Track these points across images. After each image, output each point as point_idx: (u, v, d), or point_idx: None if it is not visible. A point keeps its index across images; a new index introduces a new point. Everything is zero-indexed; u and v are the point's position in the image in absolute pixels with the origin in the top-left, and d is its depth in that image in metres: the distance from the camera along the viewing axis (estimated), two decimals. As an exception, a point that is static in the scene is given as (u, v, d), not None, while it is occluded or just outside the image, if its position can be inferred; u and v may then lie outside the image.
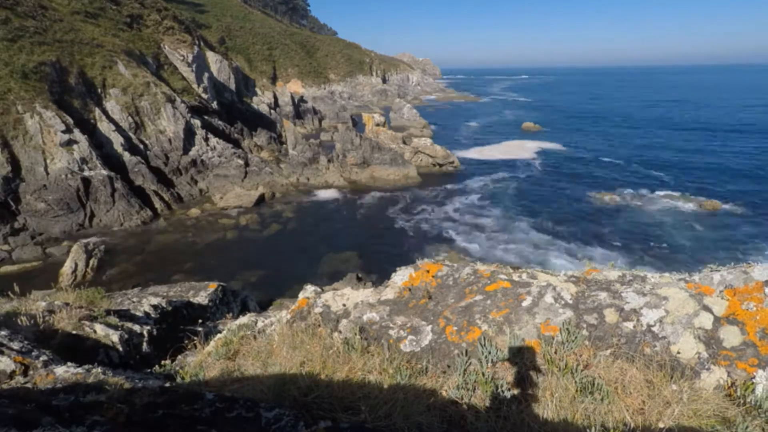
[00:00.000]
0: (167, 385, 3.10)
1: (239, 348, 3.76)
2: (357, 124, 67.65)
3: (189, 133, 41.58)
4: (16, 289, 5.40)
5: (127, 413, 2.08)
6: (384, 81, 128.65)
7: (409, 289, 3.74)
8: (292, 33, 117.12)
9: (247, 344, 3.75)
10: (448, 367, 2.87)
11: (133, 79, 40.61)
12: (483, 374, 2.60)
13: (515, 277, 3.51)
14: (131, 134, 38.03)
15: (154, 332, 5.14)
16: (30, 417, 1.92)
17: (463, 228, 32.58)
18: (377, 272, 24.79)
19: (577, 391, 2.39)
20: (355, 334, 3.19)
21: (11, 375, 3.02)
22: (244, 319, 4.66)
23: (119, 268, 26.06)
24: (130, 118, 38.38)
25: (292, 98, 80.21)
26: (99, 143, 34.71)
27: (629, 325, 2.77)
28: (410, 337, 3.21)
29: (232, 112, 57.90)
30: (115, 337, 4.52)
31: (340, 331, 3.37)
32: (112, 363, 4.23)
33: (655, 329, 2.69)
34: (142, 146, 38.15)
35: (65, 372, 2.98)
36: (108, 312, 5.30)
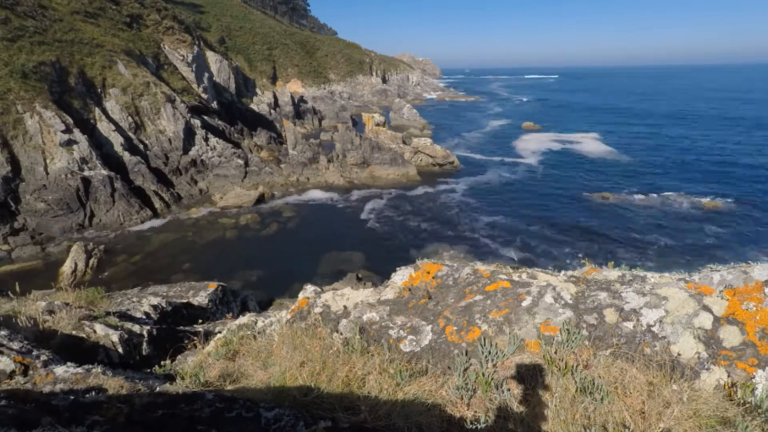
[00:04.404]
0: (167, 385, 3.10)
1: (239, 348, 3.76)
2: (357, 124, 67.65)
3: (189, 133, 41.58)
4: (16, 288, 5.39)
5: (126, 413, 2.08)
6: (384, 81, 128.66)
7: (409, 289, 3.74)
8: (292, 33, 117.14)
9: (247, 344, 3.75)
10: (448, 367, 2.87)
11: (133, 79, 40.62)
12: (483, 374, 2.60)
13: (515, 277, 3.51)
14: (131, 134, 38.03)
15: (154, 332, 5.14)
16: (30, 417, 1.92)
17: (463, 227, 32.57)
18: (377, 272, 24.79)
19: (577, 391, 2.39)
20: (355, 334, 3.19)
21: (11, 375, 3.02)
22: (244, 319, 4.66)
23: (119, 268, 26.06)
24: (130, 118, 38.38)
25: (292, 98, 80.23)
26: (99, 143, 34.72)
27: (629, 325, 2.76)
28: (410, 337, 3.21)
29: (231, 112, 57.91)
30: (114, 337, 4.52)
31: (339, 332, 3.37)
32: (112, 363, 4.22)
33: (655, 329, 2.69)
34: (142, 146, 38.15)
35: (65, 372, 2.98)
36: (108, 312, 5.30)
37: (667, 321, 2.70)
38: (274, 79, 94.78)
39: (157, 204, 34.43)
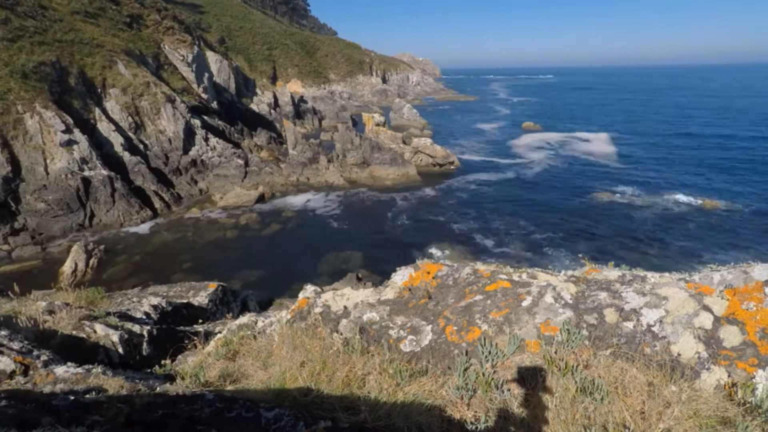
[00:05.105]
0: (167, 385, 3.10)
1: (239, 348, 3.76)
2: (357, 124, 67.63)
3: (189, 133, 41.59)
4: (16, 288, 5.39)
5: (127, 413, 2.08)
6: (384, 81, 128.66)
7: (409, 289, 3.74)
8: (292, 33, 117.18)
9: (247, 344, 3.75)
10: (448, 367, 2.87)
11: (133, 79, 40.62)
12: (483, 374, 2.60)
13: (515, 277, 3.51)
14: (131, 134, 38.04)
15: (154, 332, 5.14)
16: (30, 417, 1.92)
17: (463, 227, 32.57)
18: (377, 272, 24.80)
19: (577, 391, 2.39)
20: (355, 334, 3.19)
21: (11, 375, 3.02)
22: (244, 319, 4.66)
23: (119, 268, 26.05)
24: (130, 118, 38.39)
25: (292, 98, 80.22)
26: (99, 143, 34.72)
27: (629, 325, 2.76)
28: (410, 337, 3.21)
29: (231, 112, 57.92)
30: (115, 337, 4.52)
31: (340, 332, 3.37)
32: (112, 363, 4.22)
33: (655, 329, 2.69)
34: (142, 146, 38.15)
35: (65, 372, 2.98)
36: (108, 312, 5.30)
37: (667, 321, 2.70)
38: (274, 79, 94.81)
39: (157, 204, 34.44)
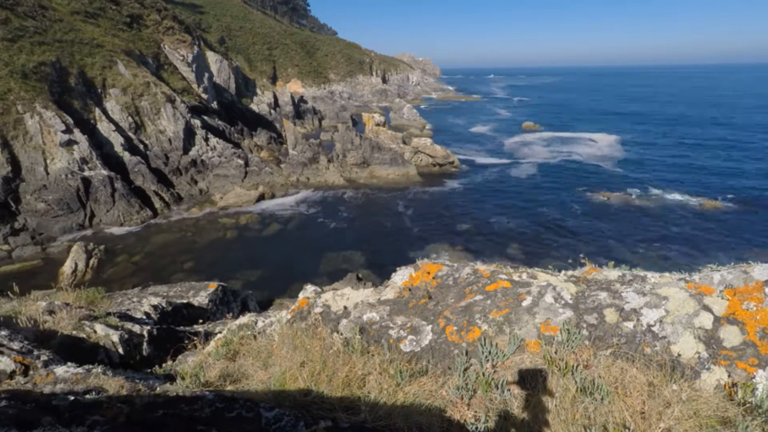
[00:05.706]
0: (167, 385, 3.10)
1: (239, 348, 3.76)
2: (357, 124, 67.64)
3: (189, 133, 41.59)
4: (16, 288, 5.39)
5: (127, 413, 2.08)
6: (384, 81, 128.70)
7: (409, 289, 3.74)
8: (292, 33, 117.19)
9: (248, 344, 3.75)
10: (449, 367, 2.87)
11: (133, 79, 40.62)
12: (483, 374, 2.60)
13: (515, 277, 3.51)
14: (131, 134, 38.04)
15: (154, 332, 5.14)
16: (30, 417, 1.92)
17: (464, 227, 32.56)
18: (377, 272, 24.79)
19: (577, 391, 2.39)
20: (355, 334, 3.19)
21: (11, 375, 3.02)
22: (244, 319, 4.66)
23: (119, 268, 26.05)
24: (130, 118, 38.39)
25: (292, 98, 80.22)
26: (99, 143, 34.72)
27: (629, 325, 2.76)
28: (410, 337, 3.21)
29: (232, 112, 57.92)
30: (115, 337, 4.52)
31: (340, 332, 3.37)
32: (112, 363, 4.22)
33: (655, 329, 2.69)
34: (142, 146, 38.16)
35: (65, 372, 2.98)
36: (108, 312, 5.30)
37: (667, 321, 2.70)
38: (274, 79, 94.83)
39: (158, 204, 34.43)
